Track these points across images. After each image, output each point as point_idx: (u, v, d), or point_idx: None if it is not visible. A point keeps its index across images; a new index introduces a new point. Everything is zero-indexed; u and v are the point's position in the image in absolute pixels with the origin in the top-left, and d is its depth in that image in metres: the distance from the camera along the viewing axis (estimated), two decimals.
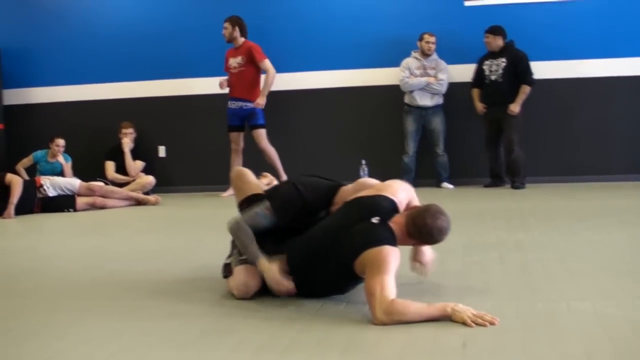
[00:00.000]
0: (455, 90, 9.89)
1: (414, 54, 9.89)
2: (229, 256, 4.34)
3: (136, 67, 10.74)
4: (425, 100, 9.81)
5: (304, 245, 3.98)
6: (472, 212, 7.40)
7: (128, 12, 10.81)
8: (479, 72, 9.67)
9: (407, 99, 9.91)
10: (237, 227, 4.11)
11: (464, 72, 9.89)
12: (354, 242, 3.71)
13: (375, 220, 3.78)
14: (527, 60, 9.43)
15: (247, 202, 4.31)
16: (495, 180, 9.73)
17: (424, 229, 3.78)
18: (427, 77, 9.77)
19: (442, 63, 9.81)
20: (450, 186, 9.82)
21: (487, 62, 9.59)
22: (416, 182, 9.76)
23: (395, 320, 3.42)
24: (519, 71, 9.44)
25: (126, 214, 8.73)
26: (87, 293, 4.49)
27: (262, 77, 9.87)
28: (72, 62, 10.91)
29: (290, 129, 9.97)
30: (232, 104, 9.87)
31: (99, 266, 5.38)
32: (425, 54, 9.80)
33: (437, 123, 9.84)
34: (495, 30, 9.49)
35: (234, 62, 9.81)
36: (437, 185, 9.89)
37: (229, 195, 9.74)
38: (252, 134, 9.87)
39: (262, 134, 9.83)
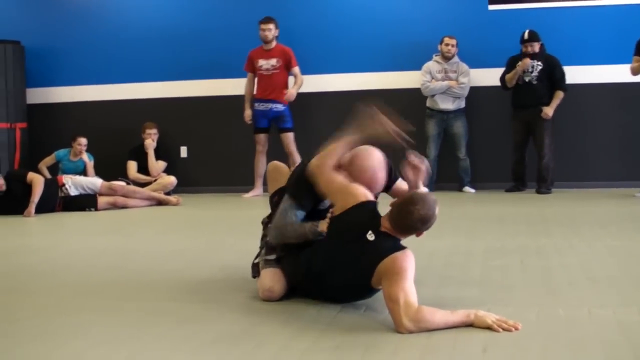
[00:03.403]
0: (477, 94, 9.86)
1: (435, 57, 9.85)
2: (257, 256, 4.34)
3: (158, 68, 10.76)
4: (447, 104, 9.77)
5: (312, 263, 3.92)
6: (493, 216, 7.38)
7: (151, 13, 10.82)
8: (510, 71, 9.50)
9: (428, 103, 9.87)
10: (278, 228, 4.03)
11: (487, 76, 9.86)
12: (363, 265, 3.68)
13: (370, 236, 3.73)
14: (562, 67, 9.39)
15: (277, 194, 4.33)
16: (517, 184, 9.66)
17: (410, 228, 3.74)
18: (448, 81, 9.73)
19: (464, 66, 9.77)
20: (472, 190, 9.78)
21: (520, 63, 9.45)
22: (438, 186, 9.78)
23: (422, 328, 3.41)
24: (556, 77, 9.39)
25: (147, 214, 8.75)
26: (107, 293, 4.50)
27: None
28: (95, 62, 10.95)
29: (310, 132, 9.91)
30: (261, 106, 9.86)
31: (120, 266, 5.39)
32: (446, 57, 9.77)
33: (459, 127, 9.80)
34: (536, 37, 9.34)
35: (267, 64, 9.80)
36: (459, 189, 9.85)
37: (251, 196, 9.77)
38: (280, 137, 9.89)
39: (291, 138, 9.84)
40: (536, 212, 7.64)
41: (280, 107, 9.81)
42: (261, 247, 4.34)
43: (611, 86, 9.69)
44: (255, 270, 4.31)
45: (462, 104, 9.83)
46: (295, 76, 9.86)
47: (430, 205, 3.71)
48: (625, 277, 4.52)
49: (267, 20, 9.77)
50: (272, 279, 4.06)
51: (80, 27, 10.97)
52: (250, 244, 4.36)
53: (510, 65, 9.52)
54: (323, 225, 3.92)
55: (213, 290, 4.42)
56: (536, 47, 9.37)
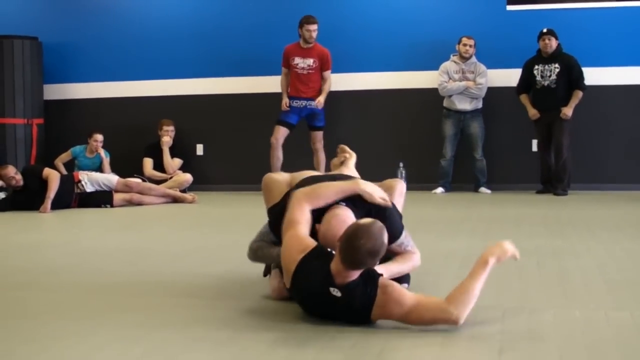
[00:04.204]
0: (495, 95, 9.82)
1: (453, 57, 9.83)
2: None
3: (176, 65, 10.78)
4: (464, 105, 9.74)
5: (307, 308, 3.75)
6: (509, 217, 7.35)
7: (169, 10, 10.85)
8: (527, 77, 9.54)
9: (445, 103, 9.85)
10: (252, 250, 4.10)
11: (505, 77, 9.84)
12: (353, 309, 3.49)
13: (335, 293, 3.47)
14: (580, 66, 9.32)
15: (271, 212, 4.32)
16: (547, 186, 9.58)
17: (360, 264, 3.44)
18: (465, 82, 9.71)
19: (481, 67, 9.73)
20: (488, 191, 9.74)
21: (537, 67, 9.43)
22: (453, 187, 9.78)
23: (468, 307, 3.40)
24: (573, 77, 9.32)
25: (162, 212, 8.75)
26: (120, 290, 4.50)
27: None
28: (113, 58, 10.98)
29: (328, 130, 9.92)
30: (295, 102, 9.79)
31: (134, 263, 5.39)
32: (464, 57, 9.74)
33: (476, 127, 9.77)
34: (554, 33, 9.32)
35: (303, 62, 9.75)
36: (475, 190, 9.82)
37: None
38: (310, 134, 9.87)
39: (320, 136, 9.85)
40: (552, 213, 7.61)
41: (313, 104, 9.78)
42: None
43: (630, 88, 9.65)
44: (267, 270, 4.32)
45: (479, 105, 9.80)
46: (325, 80, 9.83)
47: (377, 236, 3.43)
48: None
49: (314, 20, 9.70)
50: (280, 281, 4.04)
51: (98, 23, 11.01)
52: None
53: (526, 70, 9.50)
54: None
55: (227, 290, 4.41)
56: (553, 42, 9.31)
